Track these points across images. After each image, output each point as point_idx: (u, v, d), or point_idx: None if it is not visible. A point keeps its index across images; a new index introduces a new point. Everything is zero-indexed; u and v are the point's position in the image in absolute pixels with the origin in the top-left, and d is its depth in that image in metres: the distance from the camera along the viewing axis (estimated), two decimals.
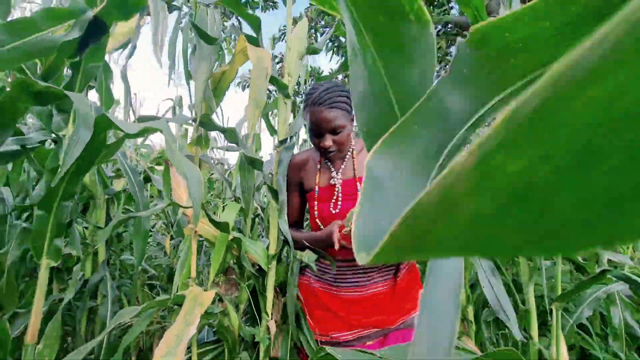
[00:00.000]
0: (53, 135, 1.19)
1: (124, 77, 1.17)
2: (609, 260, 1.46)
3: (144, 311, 0.88)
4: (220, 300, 1.24)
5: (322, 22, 4.87)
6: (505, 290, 1.12)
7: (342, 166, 1.11)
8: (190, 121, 1.18)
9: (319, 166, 1.15)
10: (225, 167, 2.82)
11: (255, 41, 1.18)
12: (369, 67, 0.24)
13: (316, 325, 1.12)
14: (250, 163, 1.21)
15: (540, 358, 1.03)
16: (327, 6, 0.37)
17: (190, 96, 1.28)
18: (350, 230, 0.81)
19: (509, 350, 0.32)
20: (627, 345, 1.39)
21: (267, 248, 1.22)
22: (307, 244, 1.07)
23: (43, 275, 0.92)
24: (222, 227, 1.12)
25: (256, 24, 1.16)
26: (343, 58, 5.76)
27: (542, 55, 0.18)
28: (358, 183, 1.11)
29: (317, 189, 1.13)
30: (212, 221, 1.12)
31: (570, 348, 1.55)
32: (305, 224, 1.35)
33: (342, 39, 5.42)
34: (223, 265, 1.27)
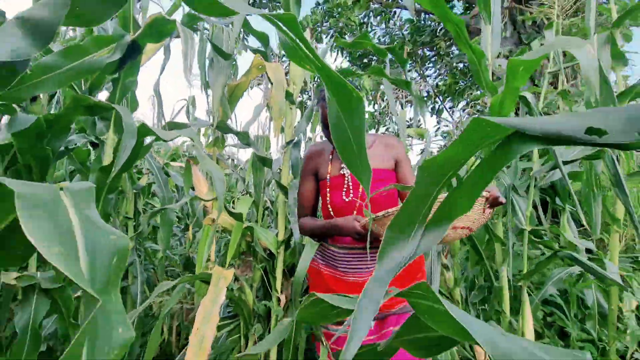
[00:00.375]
0: (91, 138, 1.39)
1: (157, 92, 1.35)
2: (588, 250, 1.62)
3: (178, 284, 1.07)
4: (237, 279, 1.43)
5: (327, 24, 5.00)
6: (484, 272, 1.29)
7: None
8: (209, 125, 1.36)
9: (331, 156, 1.21)
10: (235, 162, 3.02)
11: (264, 55, 1.35)
12: (336, 113, 0.41)
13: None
14: (262, 161, 1.39)
15: (510, 328, 1.20)
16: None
17: (207, 99, 1.46)
18: (366, 223, 0.96)
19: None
20: (599, 324, 1.55)
21: (277, 235, 1.41)
22: (321, 232, 1.15)
23: None
24: (237, 217, 1.31)
25: (265, 40, 1.33)
26: (349, 57, 5.90)
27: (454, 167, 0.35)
28: None
29: (328, 177, 1.19)
30: (229, 212, 1.30)
31: (550, 325, 1.72)
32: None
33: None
34: (238, 250, 1.46)
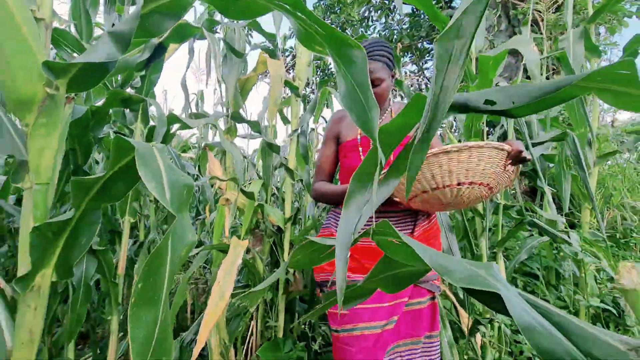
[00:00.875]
0: (116, 128, 1.57)
1: (184, 86, 1.53)
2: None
3: (202, 251, 1.26)
4: (248, 251, 1.62)
5: (329, 21, 5.14)
6: (465, 241, 1.46)
7: (379, 121, 1.11)
8: (224, 115, 1.54)
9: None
10: (243, 153, 3.22)
11: (273, 52, 1.52)
12: (342, 72, 0.58)
13: (328, 267, 1.15)
14: (270, 147, 1.57)
15: None
16: (315, 50, 0.70)
17: (221, 94, 1.64)
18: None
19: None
20: (574, 292, 1.72)
21: (284, 213, 1.59)
22: (334, 196, 1.12)
23: (127, 227, 1.32)
24: (249, 195, 1.49)
25: (274, 39, 1.50)
26: None
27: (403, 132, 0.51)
28: None
29: (346, 140, 1.16)
30: (242, 191, 1.49)
31: (531, 294, 1.89)
32: None
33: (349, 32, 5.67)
34: (250, 226, 1.65)
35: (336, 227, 1.18)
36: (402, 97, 4.14)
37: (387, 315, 1.08)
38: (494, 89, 0.47)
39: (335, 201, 1.16)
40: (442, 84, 0.42)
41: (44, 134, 0.51)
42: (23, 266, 0.51)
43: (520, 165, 0.86)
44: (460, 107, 0.48)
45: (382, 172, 0.51)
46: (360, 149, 1.14)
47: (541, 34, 2.25)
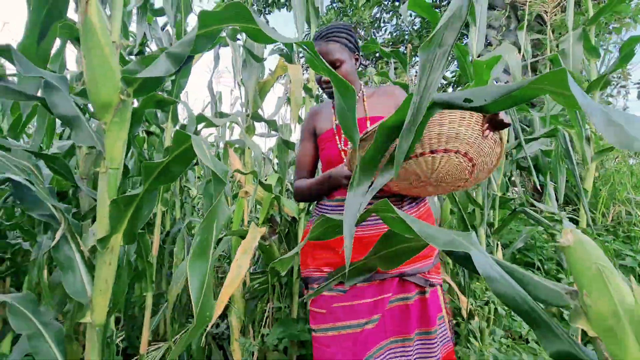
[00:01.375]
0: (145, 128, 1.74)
1: (210, 88, 1.70)
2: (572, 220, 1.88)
3: (225, 237, 1.42)
4: (265, 239, 1.77)
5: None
6: (464, 229, 1.58)
7: None
8: (245, 115, 1.69)
9: (327, 113, 1.19)
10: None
11: (289, 57, 1.67)
12: (338, 99, 0.73)
13: (311, 262, 1.14)
14: (285, 144, 1.72)
15: None
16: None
17: (241, 95, 1.80)
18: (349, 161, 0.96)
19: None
20: (570, 283, 1.81)
21: (298, 204, 1.74)
22: (315, 188, 1.10)
23: (159, 214, 1.49)
24: (267, 188, 1.64)
25: (290, 47, 1.65)
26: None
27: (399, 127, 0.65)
28: (368, 122, 1.09)
29: (324, 132, 1.15)
30: (261, 184, 1.64)
31: None
32: None
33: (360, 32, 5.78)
34: (267, 216, 1.80)
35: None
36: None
37: (368, 312, 1.02)
38: (470, 90, 0.59)
39: (316, 194, 1.11)
40: (425, 84, 0.54)
41: (117, 130, 0.67)
42: (101, 231, 0.67)
43: (506, 142, 0.81)
44: (443, 104, 0.60)
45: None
46: (337, 137, 1.13)
47: (546, 34, 2.32)
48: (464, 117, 0.74)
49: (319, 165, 1.33)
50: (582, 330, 0.45)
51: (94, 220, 1.31)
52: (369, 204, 0.97)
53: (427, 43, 0.50)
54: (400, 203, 1.08)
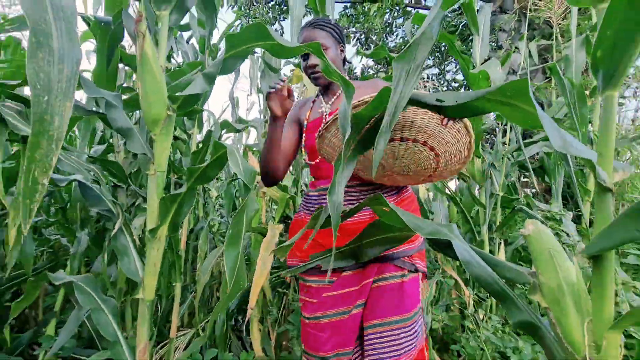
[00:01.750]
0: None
1: (231, 97, 1.86)
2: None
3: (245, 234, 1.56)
4: (281, 236, 1.90)
5: (353, 29, 5.40)
6: (469, 229, 1.67)
7: (334, 99, 1.15)
8: (263, 121, 1.84)
9: (312, 104, 1.20)
10: None
11: (299, 65, 1.80)
12: (343, 102, 0.85)
13: (299, 252, 1.14)
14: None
15: None
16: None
17: (259, 102, 1.95)
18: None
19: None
20: None
21: None
22: (265, 147, 1.03)
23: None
24: (283, 188, 1.78)
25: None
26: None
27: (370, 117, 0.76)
28: None
29: (307, 122, 1.15)
30: (278, 185, 1.78)
31: None
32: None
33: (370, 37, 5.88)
34: (282, 215, 1.94)
35: (306, 211, 1.16)
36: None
37: (354, 299, 1.04)
38: (443, 93, 0.66)
39: (268, 152, 1.02)
40: (401, 91, 0.56)
41: (163, 140, 0.81)
42: (151, 223, 0.81)
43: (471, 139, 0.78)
44: (419, 103, 0.67)
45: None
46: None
47: (551, 39, 2.39)
48: (418, 107, 0.71)
49: (309, 162, 1.27)
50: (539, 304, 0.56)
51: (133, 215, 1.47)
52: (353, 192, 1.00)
53: (401, 56, 0.54)
54: (381, 191, 1.07)
